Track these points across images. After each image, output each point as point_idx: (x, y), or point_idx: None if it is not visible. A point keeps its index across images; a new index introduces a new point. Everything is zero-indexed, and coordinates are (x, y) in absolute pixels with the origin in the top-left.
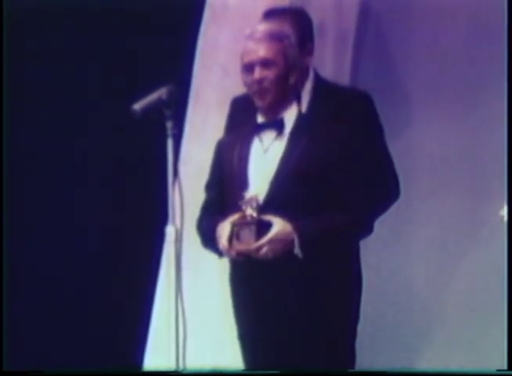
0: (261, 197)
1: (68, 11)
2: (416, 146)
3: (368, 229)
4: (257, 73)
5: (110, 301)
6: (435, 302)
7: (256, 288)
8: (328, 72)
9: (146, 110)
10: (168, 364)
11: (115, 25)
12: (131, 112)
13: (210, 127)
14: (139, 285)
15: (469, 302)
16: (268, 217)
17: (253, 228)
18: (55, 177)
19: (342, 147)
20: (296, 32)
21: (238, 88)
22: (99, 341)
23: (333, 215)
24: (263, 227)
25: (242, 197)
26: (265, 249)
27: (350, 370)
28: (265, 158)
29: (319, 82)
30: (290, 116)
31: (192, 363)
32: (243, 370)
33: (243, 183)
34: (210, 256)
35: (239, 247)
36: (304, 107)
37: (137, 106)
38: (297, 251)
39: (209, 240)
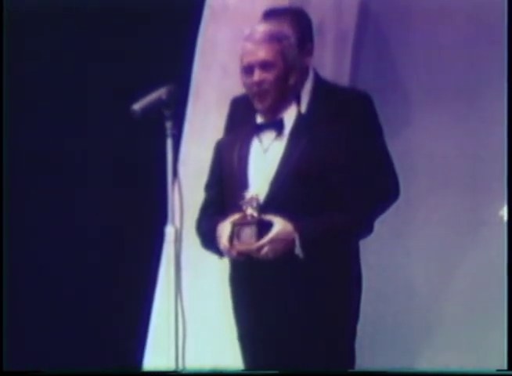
0: (262, 197)
1: (68, 11)
2: (416, 146)
3: (368, 229)
4: (257, 75)
5: (110, 301)
6: (435, 302)
7: (256, 288)
8: (328, 72)
9: (146, 110)
10: (168, 364)
11: (115, 25)
12: (130, 112)
13: (209, 127)
14: (139, 285)
15: (469, 302)
16: (268, 217)
17: (254, 228)
18: (55, 177)
19: (342, 147)
20: (295, 32)
21: (238, 88)
22: (98, 341)
23: (333, 215)
24: (264, 227)
25: (242, 197)
26: (266, 249)
27: (350, 370)
28: (265, 158)
29: (319, 82)
30: (289, 116)
31: (192, 363)
32: (242, 370)
33: (243, 183)
34: (209, 256)
35: (240, 247)
36: (303, 107)
37: (137, 106)
38: (297, 250)
39: (209, 240)
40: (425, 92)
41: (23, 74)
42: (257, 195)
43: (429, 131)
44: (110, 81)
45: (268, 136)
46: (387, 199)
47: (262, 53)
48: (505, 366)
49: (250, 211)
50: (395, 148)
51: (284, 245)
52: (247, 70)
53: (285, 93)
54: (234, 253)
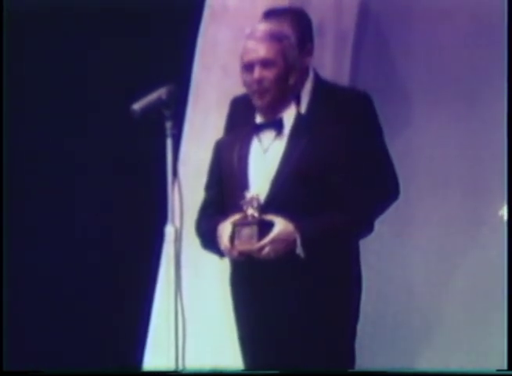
0: (262, 197)
1: (68, 11)
2: (416, 146)
3: (368, 229)
4: (257, 72)
5: (110, 301)
6: (435, 302)
7: (256, 288)
8: (328, 72)
9: (146, 110)
10: (168, 364)
11: (115, 25)
12: (130, 112)
13: (209, 127)
14: (139, 285)
15: (469, 302)
16: (269, 217)
17: (255, 228)
18: (55, 177)
19: (342, 147)
20: (295, 32)
21: (238, 88)
22: (98, 341)
23: (333, 215)
24: (264, 227)
25: (242, 197)
26: (267, 249)
27: (350, 370)
28: (265, 158)
29: (319, 82)
30: (289, 116)
31: (192, 363)
32: (242, 370)
33: (243, 183)
34: (209, 256)
35: (241, 247)
36: (303, 107)
37: (136, 106)
38: (299, 250)
39: (208, 240)
40: (425, 92)
41: (23, 74)
42: (257, 195)
43: (429, 131)
44: (110, 81)
45: (268, 136)
46: (387, 199)
47: (263, 51)
48: (505, 366)
49: (251, 212)
50: (395, 148)
51: (285, 245)
52: (248, 67)
53: (285, 93)
54: (235, 253)
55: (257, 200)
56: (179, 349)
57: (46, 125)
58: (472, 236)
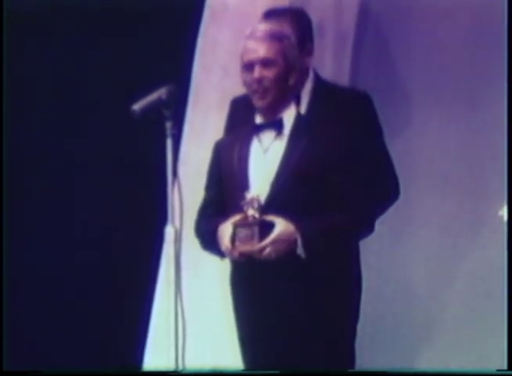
0: (263, 198)
1: (68, 11)
2: (416, 146)
3: (369, 229)
4: (257, 72)
5: (110, 301)
6: (435, 302)
7: (256, 288)
8: (328, 72)
9: (146, 111)
10: (168, 364)
11: (115, 25)
12: (130, 112)
13: (209, 127)
14: (139, 285)
15: (469, 302)
16: (270, 217)
17: (255, 229)
18: (55, 177)
19: (342, 147)
20: (295, 32)
21: (238, 89)
22: (98, 341)
23: (334, 215)
24: (265, 228)
25: (242, 198)
26: (268, 250)
27: (350, 370)
28: (265, 158)
29: (319, 82)
30: (289, 116)
31: (192, 363)
32: (242, 370)
33: (243, 184)
34: (209, 256)
35: (241, 248)
36: (303, 107)
37: (136, 106)
38: (300, 250)
39: (209, 242)
40: (425, 92)
41: (23, 74)
42: (258, 196)
43: (429, 132)
44: (110, 81)
45: (268, 136)
46: (388, 199)
47: (263, 51)
48: (505, 366)
49: (252, 212)
50: (395, 148)
51: (286, 246)
52: (248, 67)
53: (285, 93)
54: (236, 254)
55: (258, 200)
56: (179, 349)
57: (46, 125)
58: (472, 236)
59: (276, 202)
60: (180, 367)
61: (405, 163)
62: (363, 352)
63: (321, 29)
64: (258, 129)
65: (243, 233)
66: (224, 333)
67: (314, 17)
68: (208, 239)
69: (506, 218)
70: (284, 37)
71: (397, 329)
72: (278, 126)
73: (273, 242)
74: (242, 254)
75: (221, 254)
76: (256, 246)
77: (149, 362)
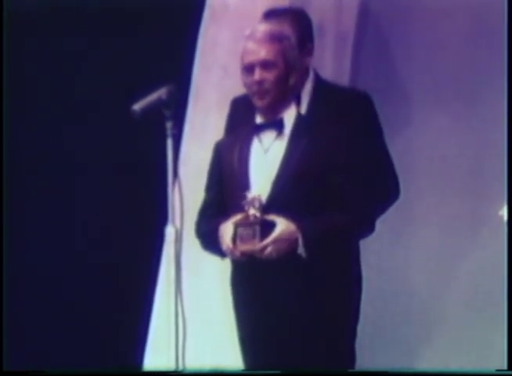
0: (264, 197)
1: (68, 11)
2: (416, 146)
3: (369, 229)
4: (258, 74)
5: (110, 301)
6: (435, 302)
7: (257, 288)
8: (328, 72)
9: (146, 111)
10: (168, 364)
11: (115, 25)
12: (130, 112)
13: (209, 127)
14: (139, 285)
15: (469, 302)
16: (271, 217)
17: (257, 228)
18: (55, 177)
19: (342, 147)
20: (296, 32)
21: (238, 89)
22: (99, 341)
23: (334, 215)
24: (266, 227)
25: (243, 198)
26: (269, 249)
27: (350, 370)
28: (266, 158)
29: (319, 82)
30: (289, 116)
31: (192, 363)
32: (243, 370)
33: (244, 184)
34: (210, 256)
35: (243, 247)
36: (304, 108)
37: (137, 106)
38: (300, 250)
39: (209, 242)
40: (425, 92)
41: (23, 74)
42: (259, 195)
43: (429, 131)
44: (110, 81)
45: (269, 136)
46: (388, 199)
47: (263, 53)
48: (505, 366)
49: (253, 212)
50: (395, 148)
51: (288, 245)
52: (248, 69)
53: (285, 93)
54: (237, 253)
55: (259, 200)
56: (179, 349)
57: (46, 125)
58: (472, 236)
59: (277, 202)
60: (180, 367)
61: (405, 163)
62: (363, 352)
63: (321, 29)
64: (259, 129)
65: (244, 232)
66: (224, 333)
67: (314, 17)
68: (209, 239)
69: (506, 218)
70: (284, 38)
71: (397, 329)
72: (278, 126)
73: (274, 241)
74: (243, 254)
75: (221, 254)
76: (257, 245)
77: (149, 362)
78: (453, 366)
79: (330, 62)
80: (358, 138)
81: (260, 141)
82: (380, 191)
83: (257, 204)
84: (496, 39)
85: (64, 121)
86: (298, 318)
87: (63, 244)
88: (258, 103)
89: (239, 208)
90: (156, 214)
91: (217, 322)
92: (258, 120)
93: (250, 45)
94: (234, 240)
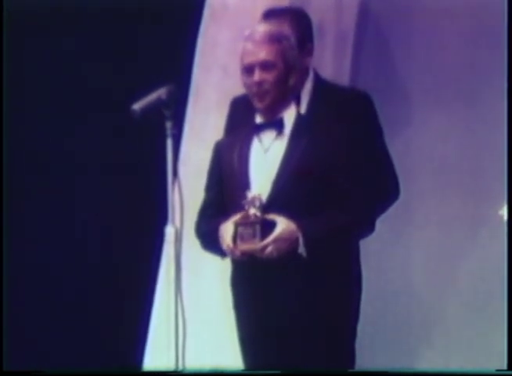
0: (264, 197)
1: (68, 11)
2: (416, 146)
3: (369, 229)
4: (257, 75)
5: (110, 301)
6: (435, 302)
7: (257, 288)
8: (328, 72)
9: (146, 110)
10: (168, 364)
11: (115, 25)
12: (130, 112)
13: (209, 127)
14: (139, 285)
15: (469, 302)
16: (271, 216)
17: (257, 227)
18: (55, 177)
19: (342, 147)
20: (295, 32)
21: (238, 89)
22: (99, 341)
23: (335, 215)
24: (267, 227)
25: (243, 198)
26: (270, 248)
27: (350, 370)
28: (266, 158)
29: (319, 82)
30: (289, 116)
31: (192, 363)
32: (242, 370)
33: (244, 184)
34: (209, 256)
35: (243, 246)
36: (304, 107)
37: (136, 106)
38: (301, 249)
39: (209, 242)
40: (425, 92)
41: (23, 74)
42: (259, 194)
43: (429, 131)
44: (110, 81)
45: (269, 136)
46: (388, 199)
47: (263, 54)
48: (505, 366)
49: (253, 211)
50: (395, 148)
51: (288, 244)
52: (248, 70)
53: (285, 93)
54: (238, 253)
55: (260, 199)
56: (179, 349)
57: (46, 125)
58: (472, 236)
59: (277, 201)
60: (180, 367)
61: (405, 163)
62: (363, 352)
63: (321, 29)
64: (259, 129)
65: (244, 231)
66: (224, 333)
67: (314, 17)
68: (209, 239)
69: (506, 218)
70: (283, 38)
71: (397, 329)
72: (278, 126)
73: (275, 240)
74: (243, 253)
75: (222, 253)
76: (258, 245)
77: (149, 362)
78: (453, 366)
79: (330, 62)
80: (358, 138)
81: (260, 141)
82: (380, 191)
83: (257, 204)
84: (496, 39)
85: (64, 121)
86: (298, 318)
87: (62, 243)
88: (258, 104)
89: (240, 208)
90: (156, 214)
91: (217, 322)
92: (258, 119)
93: (250, 46)
94: (234, 239)
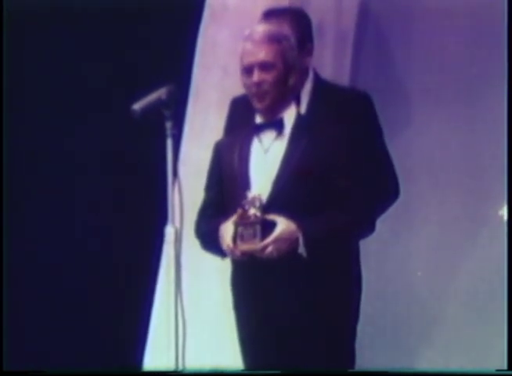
0: (264, 197)
1: (68, 11)
2: (416, 146)
3: (370, 229)
4: (256, 76)
5: (110, 301)
6: (435, 302)
7: (257, 288)
8: (328, 72)
9: (146, 110)
10: (168, 364)
11: (115, 25)
12: (130, 112)
13: (209, 127)
14: (139, 285)
15: (469, 302)
16: (271, 216)
17: (257, 227)
18: (55, 177)
19: (342, 147)
20: (295, 32)
21: (238, 89)
22: (99, 341)
23: (335, 215)
24: (267, 227)
25: (243, 198)
26: (270, 248)
27: (350, 370)
28: (266, 158)
29: (319, 82)
30: (289, 116)
31: (192, 363)
32: (242, 370)
33: (244, 184)
34: (210, 256)
35: (243, 246)
36: (303, 107)
37: (136, 106)
38: (301, 249)
39: (209, 242)
40: (425, 92)
41: (23, 74)
42: (259, 195)
43: (429, 131)
44: (110, 81)
45: (269, 136)
46: (388, 199)
47: (262, 54)
48: (505, 367)
49: (253, 211)
50: (395, 148)
51: (288, 244)
52: (247, 70)
53: (284, 94)
54: (238, 253)
55: (260, 199)
56: (179, 349)
57: (46, 125)
58: (472, 236)
59: (277, 201)
60: (180, 367)
61: (405, 163)
62: (363, 352)
63: (321, 29)
64: (259, 129)
65: (244, 231)
66: (224, 333)
67: (314, 17)
68: (208, 239)
69: (506, 218)
70: (283, 39)
71: (397, 329)
72: (278, 126)
73: (275, 241)
74: (243, 253)
75: (222, 253)
76: (258, 245)
77: (149, 362)
78: (453, 366)
79: (330, 62)
80: (358, 138)
81: (260, 141)
82: (380, 191)
83: (257, 204)
84: (496, 39)
85: (64, 121)
86: (298, 318)
87: (62, 243)
88: (257, 104)
89: (240, 208)
90: (156, 214)
91: (217, 322)
92: (258, 120)
93: (249, 47)
94: (234, 239)
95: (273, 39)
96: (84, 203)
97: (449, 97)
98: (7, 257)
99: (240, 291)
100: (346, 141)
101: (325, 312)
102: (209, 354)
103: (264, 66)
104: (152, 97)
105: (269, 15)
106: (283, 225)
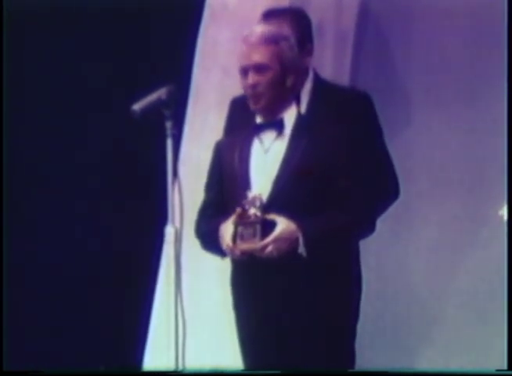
0: (264, 197)
1: (68, 11)
2: (416, 146)
3: (370, 229)
4: (251, 78)
5: (110, 301)
6: (435, 302)
7: (257, 288)
8: (328, 72)
9: (146, 111)
10: (168, 364)
11: (115, 25)
12: (130, 112)
13: (209, 127)
14: (139, 285)
15: (469, 302)
16: (271, 216)
17: (257, 227)
18: (55, 177)
19: (342, 147)
20: (295, 32)
21: (238, 89)
22: (99, 341)
23: (335, 215)
24: (267, 226)
25: (244, 198)
26: (270, 248)
27: (350, 370)
28: (266, 158)
29: (319, 82)
30: (289, 116)
31: (192, 363)
32: (242, 370)
33: (244, 184)
34: (210, 256)
35: (243, 246)
36: (303, 107)
37: (136, 106)
38: (301, 249)
39: (209, 242)
40: (425, 92)
41: (23, 74)
42: (259, 194)
43: (429, 131)
44: (110, 81)
45: (269, 136)
46: (388, 199)
47: (256, 56)
48: (505, 367)
49: (253, 211)
50: (395, 148)
51: (288, 244)
52: (243, 72)
53: (282, 95)
54: (237, 253)
55: (260, 199)
56: (179, 349)
57: (46, 125)
58: (472, 236)
59: (278, 201)
60: (180, 367)
61: (405, 163)
62: (363, 352)
63: (321, 29)
64: (259, 129)
65: (244, 231)
66: (224, 333)
67: (314, 17)
68: (208, 239)
69: (506, 218)
70: (281, 39)
71: (397, 329)
72: (279, 126)
73: (275, 240)
74: (243, 253)
75: (221, 253)
76: (258, 244)
77: (149, 362)
78: (453, 366)
79: (330, 62)
80: (358, 138)
81: (260, 141)
82: (380, 191)
83: (257, 203)
84: (496, 39)
85: (64, 121)
86: (298, 318)
87: (62, 243)
88: (253, 106)
89: (240, 208)
90: (156, 214)
91: (217, 322)
92: (258, 120)
93: (245, 49)
94: (234, 239)
95: (270, 40)
96: (84, 203)
97: (449, 97)
98: (7, 257)
99: (240, 291)
100: (346, 141)
101: (325, 312)
102: (209, 354)
103: (258, 69)
104: (152, 97)
105: (269, 15)
106: (282, 224)
